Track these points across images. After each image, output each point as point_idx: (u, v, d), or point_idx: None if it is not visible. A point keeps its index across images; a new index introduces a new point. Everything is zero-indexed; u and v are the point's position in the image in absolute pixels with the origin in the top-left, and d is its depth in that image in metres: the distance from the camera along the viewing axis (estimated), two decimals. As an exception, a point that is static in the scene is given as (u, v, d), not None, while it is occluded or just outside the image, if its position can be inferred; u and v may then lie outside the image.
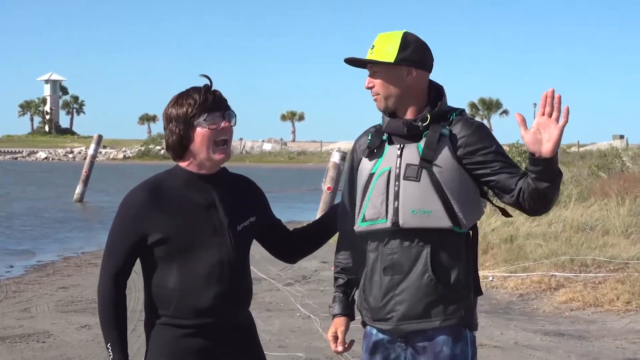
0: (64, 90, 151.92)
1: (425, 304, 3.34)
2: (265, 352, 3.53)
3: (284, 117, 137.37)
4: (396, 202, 3.35)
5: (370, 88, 3.45)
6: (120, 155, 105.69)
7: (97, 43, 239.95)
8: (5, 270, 13.40)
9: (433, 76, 3.50)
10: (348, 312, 3.61)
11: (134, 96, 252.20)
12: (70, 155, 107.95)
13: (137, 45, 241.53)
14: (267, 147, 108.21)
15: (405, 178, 3.35)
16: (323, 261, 12.88)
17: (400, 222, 3.34)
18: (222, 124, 3.31)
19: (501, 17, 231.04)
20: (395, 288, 3.38)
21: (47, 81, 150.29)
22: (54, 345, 7.96)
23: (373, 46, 3.43)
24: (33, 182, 43.41)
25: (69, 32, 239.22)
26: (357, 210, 3.48)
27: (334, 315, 3.61)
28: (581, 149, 73.39)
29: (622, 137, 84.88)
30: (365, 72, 3.47)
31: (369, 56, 3.43)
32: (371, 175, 3.43)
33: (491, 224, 13.75)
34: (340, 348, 3.57)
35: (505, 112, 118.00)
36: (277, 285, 10.74)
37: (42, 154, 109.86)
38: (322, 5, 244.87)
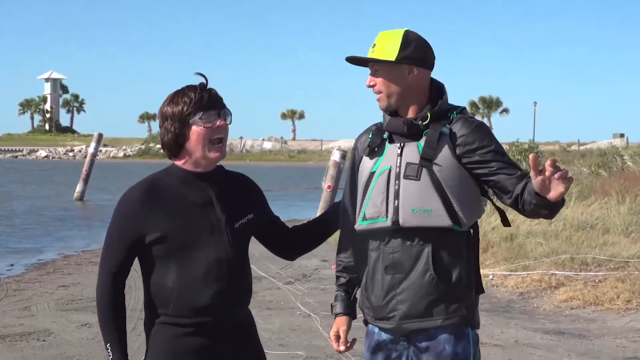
0: (64, 89, 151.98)
1: (427, 303, 3.34)
2: (265, 351, 3.53)
3: (284, 116, 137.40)
4: (396, 201, 3.35)
5: (372, 86, 3.44)
6: (121, 154, 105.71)
7: (98, 42, 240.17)
8: (5, 268, 13.40)
9: (433, 75, 3.49)
10: (350, 312, 3.60)
11: (134, 95, 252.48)
12: (71, 154, 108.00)
13: (138, 43, 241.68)
14: (268, 145, 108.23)
15: (406, 177, 3.34)
16: (323, 260, 12.88)
17: (401, 221, 3.33)
18: (218, 123, 3.30)
19: (501, 16, 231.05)
20: (396, 287, 3.37)
21: (47, 80, 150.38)
22: (54, 343, 7.95)
23: (374, 45, 3.42)
24: (33, 181, 43.43)
25: (69, 30, 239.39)
26: (357, 209, 3.48)
27: (336, 315, 3.61)
28: (581, 148, 73.23)
29: (622, 135, 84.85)
30: (366, 71, 3.47)
31: (370, 54, 3.42)
32: (372, 174, 3.42)
33: (491, 222, 13.74)
34: (342, 347, 3.57)
35: (506, 110, 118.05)
36: (277, 284, 10.73)
37: (42, 153, 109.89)
38: (323, 4, 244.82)
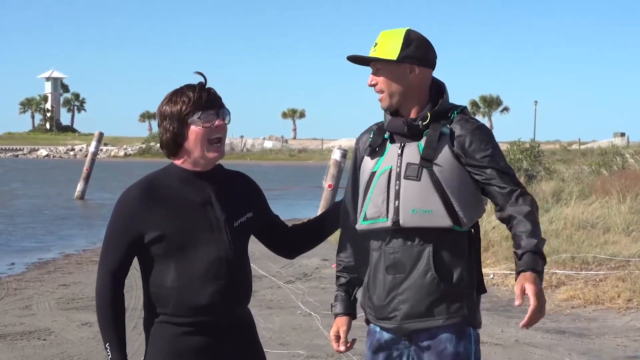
0: (65, 88, 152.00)
1: (428, 303, 3.34)
2: (266, 350, 3.53)
3: (285, 115, 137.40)
4: (397, 202, 3.34)
5: (373, 85, 3.44)
6: (122, 153, 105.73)
7: (98, 41, 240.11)
8: (6, 267, 13.40)
9: (434, 73, 3.49)
10: (350, 312, 3.60)
11: (135, 94, 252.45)
12: (72, 153, 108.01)
13: (138, 43, 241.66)
14: (268, 144, 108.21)
15: (406, 177, 3.34)
16: (324, 259, 12.88)
17: (401, 221, 3.33)
18: (216, 122, 3.30)
19: (502, 15, 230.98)
20: (398, 287, 3.37)
21: (48, 79, 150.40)
22: (55, 342, 7.95)
23: (376, 44, 3.42)
24: (34, 180, 43.42)
25: (70, 29, 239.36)
26: (358, 209, 3.48)
27: (336, 315, 3.60)
28: (582, 147, 73.27)
29: (623, 134, 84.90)
30: (368, 70, 3.47)
31: (372, 54, 3.42)
32: (373, 174, 3.42)
33: (492, 221, 13.72)
34: (342, 348, 3.57)
35: (506, 109, 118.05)
36: (277, 283, 10.73)
37: (43, 152, 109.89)
38: (323, 3, 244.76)
